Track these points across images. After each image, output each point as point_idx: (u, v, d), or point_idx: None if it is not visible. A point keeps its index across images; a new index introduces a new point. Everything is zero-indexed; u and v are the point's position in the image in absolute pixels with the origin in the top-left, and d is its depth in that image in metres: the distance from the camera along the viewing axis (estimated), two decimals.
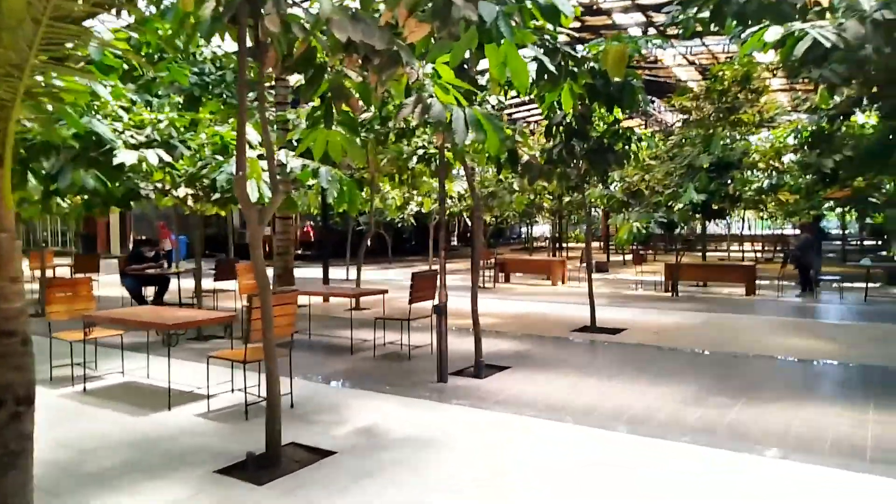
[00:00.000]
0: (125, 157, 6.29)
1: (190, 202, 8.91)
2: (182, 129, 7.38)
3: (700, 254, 20.47)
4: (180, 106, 11.07)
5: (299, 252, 26.56)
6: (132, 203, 9.64)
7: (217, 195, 8.94)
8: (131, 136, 6.81)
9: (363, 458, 4.00)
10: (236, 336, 6.82)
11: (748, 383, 5.97)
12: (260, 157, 7.85)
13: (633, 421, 4.86)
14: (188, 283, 11.44)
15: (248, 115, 10.52)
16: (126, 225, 23.86)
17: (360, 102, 5.02)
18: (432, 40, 4.25)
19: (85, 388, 5.67)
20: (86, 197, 8.15)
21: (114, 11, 3.50)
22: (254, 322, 4.70)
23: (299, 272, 18.53)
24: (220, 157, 7.76)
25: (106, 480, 3.67)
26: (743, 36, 7.26)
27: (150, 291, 10.73)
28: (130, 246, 24.17)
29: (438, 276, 6.04)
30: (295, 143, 8.14)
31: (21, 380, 2.83)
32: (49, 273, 12.94)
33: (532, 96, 8.89)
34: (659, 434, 4.48)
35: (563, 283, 15.70)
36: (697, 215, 12.92)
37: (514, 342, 8.02)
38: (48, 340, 5.99)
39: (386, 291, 7.85)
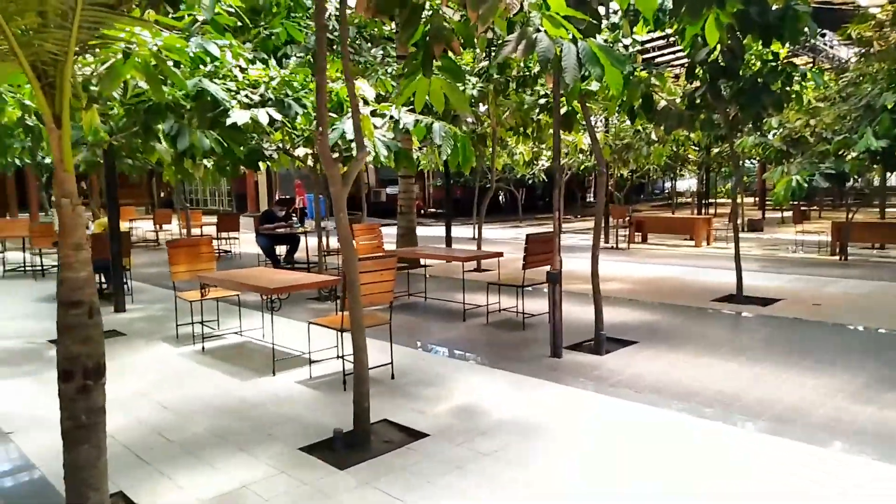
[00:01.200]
0: (238, 116, 6.25)
1: (310, 162, 8.92)
2: (297, 87, 7.24)
3: (878, 210, 17.74)
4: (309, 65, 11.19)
5: (432, 210, 26.77)
6: (259, 163, 9.92)
7: (336, 154, 8.93)
8: (246, 96, 6.79)
9: (457, 444, 3.61)
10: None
11: None
12: (373, 113, 7.60)
13: (783, 419, 4.03)
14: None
15: (361, 71, 10.25)
16: (272, 184, 25.24)
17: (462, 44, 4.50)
18: None
19: (203, 348, 5.81)
20: (214, 159, 8.42)
21: None
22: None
23: (427, 231, 18.60)
24: (334, 115, 7.59)
25: (194, 449, 3.60)
26: None
27: (282, 250, 11.08)
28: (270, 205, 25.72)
29: (555, 240, 5.43)
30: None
31: (90, 352, 2.71)
32: (196, 231, 13.89)
33: (672, 31, 7.80)
34: (817, 439, 3.65)
35: (708, 243, 14.28)
36: (876, 165, 10.99)
37: (643, 312, 7.23)
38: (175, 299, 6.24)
39: (501, 255, 7.36)
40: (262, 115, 6.35)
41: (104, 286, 8.26)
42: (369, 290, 4.56)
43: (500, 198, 28.16)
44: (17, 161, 11.11)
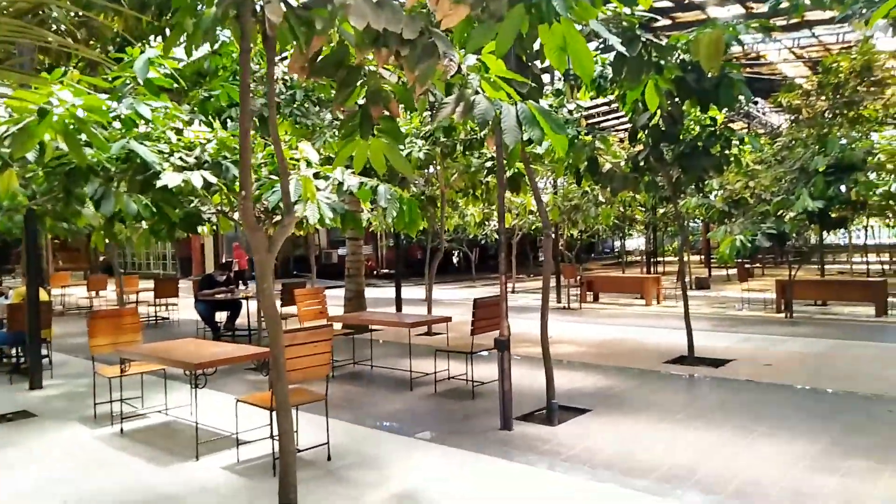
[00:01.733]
0: (169, 179, 5.94)
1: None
2: (235, 149, 7.00)
3: (817, 267, 18.34)
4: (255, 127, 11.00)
5: (385, 271, 26.48)
6: (199, 227, 9.53)
7: (278, 217, 8.64)
8: (180, 158, 6.51)
9: None
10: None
11: (894, 439, 4.73)
12: (317, 175, 7.40)
13: (745, 493, 3.81)
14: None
15: (308, 133, 10.07)
16: (218, 246, 24.57)
17: (401, 107, 4.38)
18: (474, 25, 3.57)
19: (122, 430, 5.29)
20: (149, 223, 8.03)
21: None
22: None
23: (378, 292, 18.25)
24: (274, 178, 7.35)
25: None
26: (864, 13, 6.05)
27: (223, 316, 10.56)
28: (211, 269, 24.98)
29: (501, 305, 5.23)
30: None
31: None
32: (133, 297, 13.21)
33: (614, 97, 7.95)
34: None
35: (658, 302, 14.37)
36: (813, 225, 11.35)
37: (596, 376, 7.03)
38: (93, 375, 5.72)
39: (449, 319, 7.09)
40: (196, 178, 6.06)
41: (21, 360, 7.61)
42: (303, 364, 4.22)
43: (455, 258, 28.14)
44: None
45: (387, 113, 4.02)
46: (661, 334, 9.70)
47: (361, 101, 3.92)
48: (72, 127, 4.62)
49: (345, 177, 7.12)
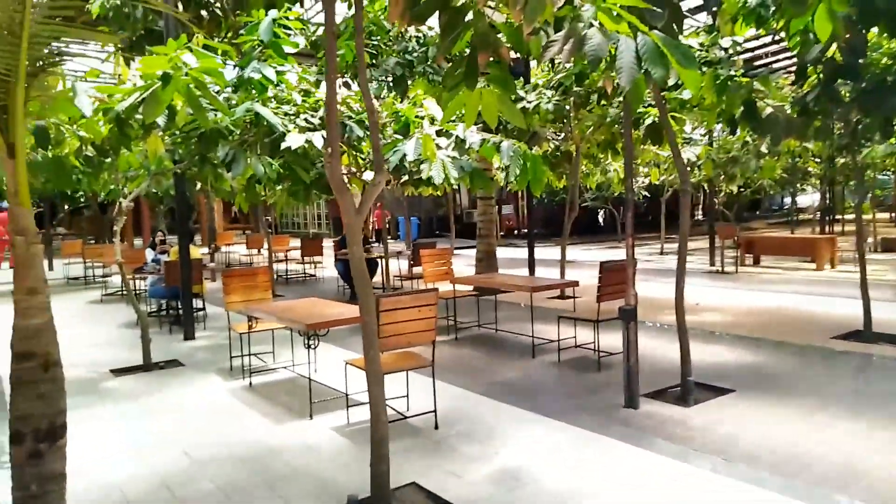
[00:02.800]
0: (292, 140, 6.01)
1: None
2: (358, 109, 6.95)
3: None
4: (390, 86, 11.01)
5: (526, 231, 26.02)
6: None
7: (405, 177, 8.58)
8: (305, 120, 6.58)
9: None
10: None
11: None
12: (439, 132, 7.18)
13: None
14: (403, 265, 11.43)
15: (439, 91, 9.83)
16: (379, 207, 25.51)
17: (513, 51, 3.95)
18: None
19: (251, 384, 5.54)
20: (286, 185, 8.34)
21: None
22: (381, 328, 3.96)
23: (515, 253, 17.92)
24: (399, 137, 7.22)
25: None
26: None
27: None
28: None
29: (627, 270, 4.69)
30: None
31: (44, 411, 2.38)
32: (281, 256, 14.05)
33: (777, 28, 6.81)
34: None
35: (832, 266, 12.63)
36: None
37: (746, 351, 6.23)
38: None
39: (576, 284, 6.61)
40: (317, 139, 6.07)
41: (179, 312, 8.33)
42: (407, 329, 4.05)
43: (600, 216, 26.97)
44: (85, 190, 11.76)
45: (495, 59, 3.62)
46: (831, 304, 8.45)
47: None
48: (195, 90, 4.75)
49: (466, 133, 6.82)
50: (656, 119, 7.53)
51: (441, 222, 26.45)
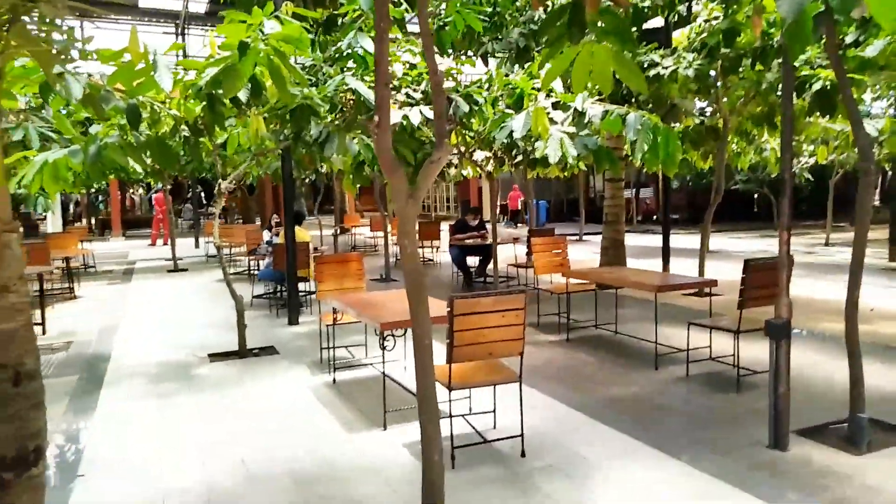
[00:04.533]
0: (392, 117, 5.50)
1: (490, 167, 7.95)
2: (459, 82, 6.29)
3: None
4: (508, 60, 10.24)
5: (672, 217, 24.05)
6: (444, 171, 9.21)
7: (520, 157, 7.80)
8: (406, 94, 6.04)
9: None
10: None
11: None
12: (555, 105, 6.34)
13: None
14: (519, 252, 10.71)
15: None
16: (493, 190, 24.93)
17: None
18: None
19: (334, 380, 5.15)
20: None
21: None
22: (456, 335, 3.31)
23: (651, 240, 16.41)
24: (509, 112, 6.47)
25: None
26: None
27: (475, 261, 10.31)
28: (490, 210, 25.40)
29: (781, 273, 3.65)
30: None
31: (13, 434, 2.00)
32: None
33: None
34: None
35: None
36: None
37: None
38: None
39: (714, 283, 5.51)
40: (415, 115, 5.51)
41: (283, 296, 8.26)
42: (487, 337, 3.38)
43: (755, 202, 24.30)
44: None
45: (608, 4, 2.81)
46: None
47: None
48: (277, 62, 4.35)
49: (586, 105, 5.93)
50: (827, 83, 6.14)
51: (572, 206, 25.18)
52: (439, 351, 2.97)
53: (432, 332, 2.55)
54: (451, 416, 3.60)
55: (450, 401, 3.56)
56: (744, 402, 4.38)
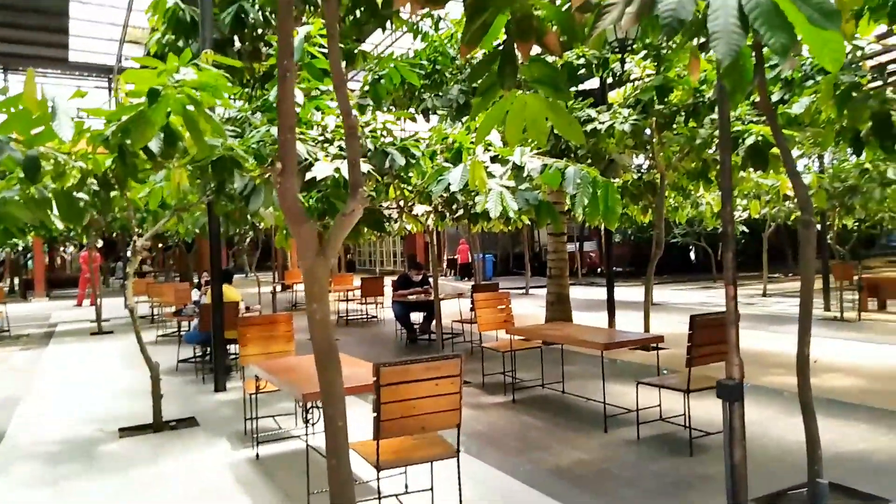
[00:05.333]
0: (319, 170, 5.23)
1: (430, 221, 7.74)
2: (395, 136, 6.11)
3: None
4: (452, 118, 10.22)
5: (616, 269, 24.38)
6: (384, 225, 8.97)
7: (461, 211, 7.63)
8: (339, 147, 5.80)
9: None
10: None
11: None
12: (494, 159, 6.21)
13: None
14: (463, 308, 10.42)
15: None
16: (440, 244, 24.86)
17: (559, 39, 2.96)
18: None
19: (258, 455, 4.65)
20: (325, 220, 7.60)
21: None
22: (384, 408, 2.96)
23: (595, 293, 16.48)
24: (447, 165, 6.30)
25: None
26: None
27: (419, 317, 9.96)
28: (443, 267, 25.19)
29: (729, 330, 3.46)
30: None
31: None
32: (341, 296, 13.38)
33: None
34: None
35: None
36: None
37: (890, 433, 4.74)
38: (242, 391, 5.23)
39: (660, 339, 5.33)
40: (343, 167, 5.25)
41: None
42: (420, 408, 3.03)
43: (692, 254, 24.97)
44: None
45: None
46: None
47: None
48: (191, 111, 4.04)
49: (524, 159, 5.82)
50: (759, 138, 6.24)
51: (519, 259, 25.27)
52: (366, 422, 2.62)
53: (353, 402, 2.21)
54: (379, 497, 3.20)
55: (378, 479, 3.16)
56: (697, 467, 4.13)
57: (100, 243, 21.58)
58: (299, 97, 5.43)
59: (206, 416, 5.79)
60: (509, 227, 15.11)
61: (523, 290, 17.91)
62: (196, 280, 12.89)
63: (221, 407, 6.16)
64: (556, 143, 7.51)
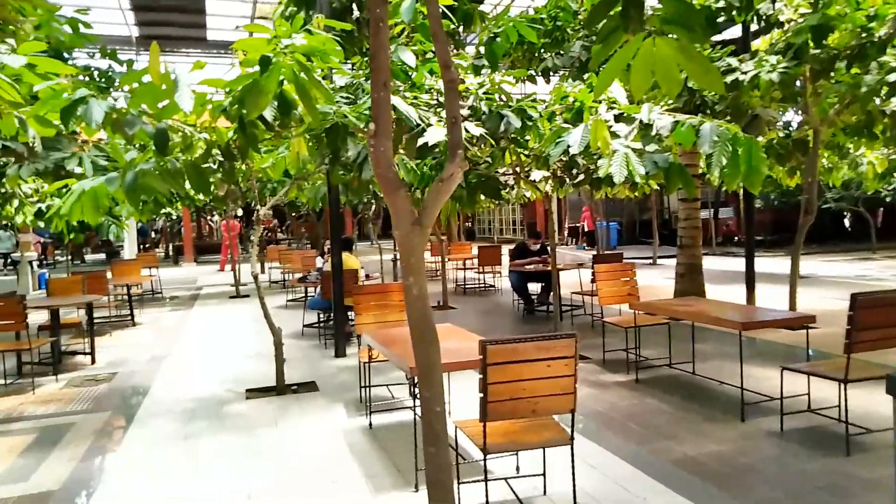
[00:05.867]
0: (431, 135, 5.04)
1: (548, 187, 7.35)
2: (510, 96, 5.77)
3: None
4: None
5: (741, 238, 22.44)
6: (500, 192, 8.69)
7: (581, 176, 7.16)
8: None
9: None
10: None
11: None
12: (618, 117, 5.72)
13: None
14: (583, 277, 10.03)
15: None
16: (561, 211, 24.17)
17: None
18: None
19: (371, 424, 4.66)
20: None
21: None
22: (491, 388, 2.75)
23: (727, 263, 15.21)
24: (566, 126, 5.88)
25: None
26: None
27: (537, 287, 9.67)
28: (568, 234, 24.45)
29: None
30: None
31: None
32: (458, 265, 13.33)
33: None
34: None
35: None
36: None
37: None
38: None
39: (811, 319, 4.65)
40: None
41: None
42: (531, 390, 2.79)
43: (846, 221, 22.43)
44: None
45: None
46: None
47: None
48: (301, 77, 3.99)
49: (652, 116, 5.28)
50: None
51: (645, 227, 23.97)
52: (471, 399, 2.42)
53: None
54: (486, 481, 3.02)
55: (484, 460, 2.98)
56: (857, 470, 3.56)
57: (239, 212, 23.21)
58: (411, 59, 5.25)
59: (326, 382, 5.93)
60: (635, 193, 14.23)
61: (650, 261, 16.96)
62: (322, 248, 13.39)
63: (340, 373, 6.29)
64: (690, 99, 6.81)
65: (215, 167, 5.43)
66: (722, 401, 4.89)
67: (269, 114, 4.33)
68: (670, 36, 2.22)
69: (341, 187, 7.49)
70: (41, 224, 10.92)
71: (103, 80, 7.26)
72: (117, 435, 4.67)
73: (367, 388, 4.92)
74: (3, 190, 10.39)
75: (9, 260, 20.17)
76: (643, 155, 5.47)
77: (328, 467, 3.92)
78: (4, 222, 13.70)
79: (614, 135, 5.34)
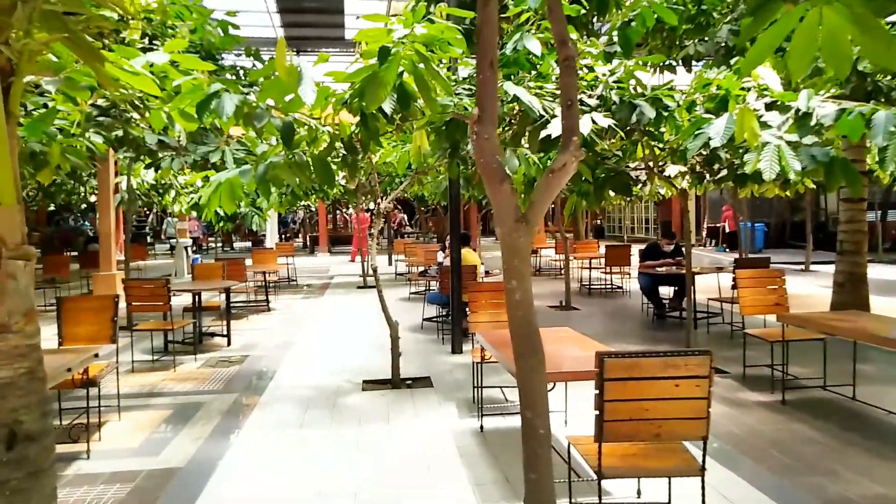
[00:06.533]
0: (557, 127, 4.75)
1: (685, 183, 6.76)
2: (644, 84, 5.32)
3: None
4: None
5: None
6: (630, 189, 8.15)
7: (724, 172, 6.49)
8: (580, 102, 5.23)
9: None
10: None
11: None
12: (770, 106, 5.09)
13: None
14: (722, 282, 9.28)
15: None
16: (700, 210, 22.60)
17: None
18: None
19: (482, 427, 4.48)
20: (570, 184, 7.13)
21: None
22: (608, 406, 2.46)
23: (888, 273, 13.31)
24: (708, 116, 5.32)
25: None
26: None
27: (669, 291, 9.02)
28: (703, 233, 22.79)
29: None
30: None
31: None
32: (584, 264, 12.79)
33: None
34: None
35: None
36: None
37: None
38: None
39: None
40: (585, 123, 4.69)
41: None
42: (654, 413, 2.47)
43: None
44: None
45: None
46: None
47: None
48: (419, 69, 3.89)
49: (812, 104, 4.62)
50: None
51: (797, 230, 21.78)
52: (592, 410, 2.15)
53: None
54: None
55: (599, 482, 2.69)
56: None
57: (371, 206, 24.06)
58: (537, 48, 4.99)
59: (440, 378, 5.85)
60: (787, 192, 12.89)
61: (801, 267, 15.35)
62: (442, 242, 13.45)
63: (455, 370, 6.18)
64: (860, 84, 5.94)
65: (339, 160, 5.51)
66: (891, 434, 4.19)
67: (388, 106, 4.27)
68: (839, 4, 1.81)
69: (463, 182, 7.38)
70: (193, 213, 11.87)
71: (245, 77, 7.67)
72: (241, 417, 4.86)
73: (480, 389, 4.75)
74: (162, 181, 11.45)
75: (172, 245, 22.36)
76: (799, 148, 4.82)
77: (436, 469, 3.80)
78: (169, 210, 15.19)
79: (764, 125, 4.75)
